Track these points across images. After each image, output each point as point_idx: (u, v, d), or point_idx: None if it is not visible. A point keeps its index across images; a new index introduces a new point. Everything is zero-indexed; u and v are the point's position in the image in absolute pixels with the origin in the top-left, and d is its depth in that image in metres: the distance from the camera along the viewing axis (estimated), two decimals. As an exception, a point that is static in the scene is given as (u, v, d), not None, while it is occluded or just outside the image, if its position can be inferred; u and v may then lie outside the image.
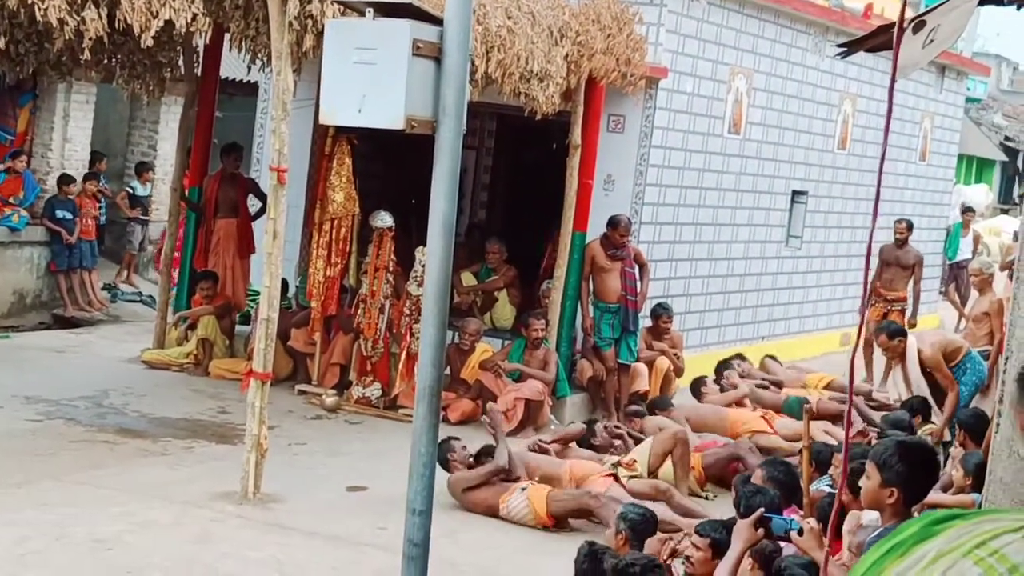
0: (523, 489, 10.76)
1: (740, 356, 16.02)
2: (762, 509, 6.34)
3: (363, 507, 10.86)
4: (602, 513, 10.24)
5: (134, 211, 21.92)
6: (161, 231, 19.69)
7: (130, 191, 22.04)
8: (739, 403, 14.75)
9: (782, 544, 6.84)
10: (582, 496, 10.65)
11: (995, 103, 47.19)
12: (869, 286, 17.81)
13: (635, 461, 11.84)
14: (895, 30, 4.93)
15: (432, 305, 6.55)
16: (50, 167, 20.69)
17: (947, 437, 12.61)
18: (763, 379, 15.74)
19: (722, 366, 15.57)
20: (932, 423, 12.99)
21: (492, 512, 10.81)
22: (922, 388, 13.43)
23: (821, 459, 9.88)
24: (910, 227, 18.31)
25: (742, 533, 6.14)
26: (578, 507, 10.63)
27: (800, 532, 5.94)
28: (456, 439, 11.58)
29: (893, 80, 4.93)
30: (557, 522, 10.66)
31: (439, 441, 10.64)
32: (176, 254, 16.72)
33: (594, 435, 12.74)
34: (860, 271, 21.37)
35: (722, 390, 15.04)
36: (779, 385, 15.68)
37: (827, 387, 16.01)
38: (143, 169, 22.28)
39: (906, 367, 13.56)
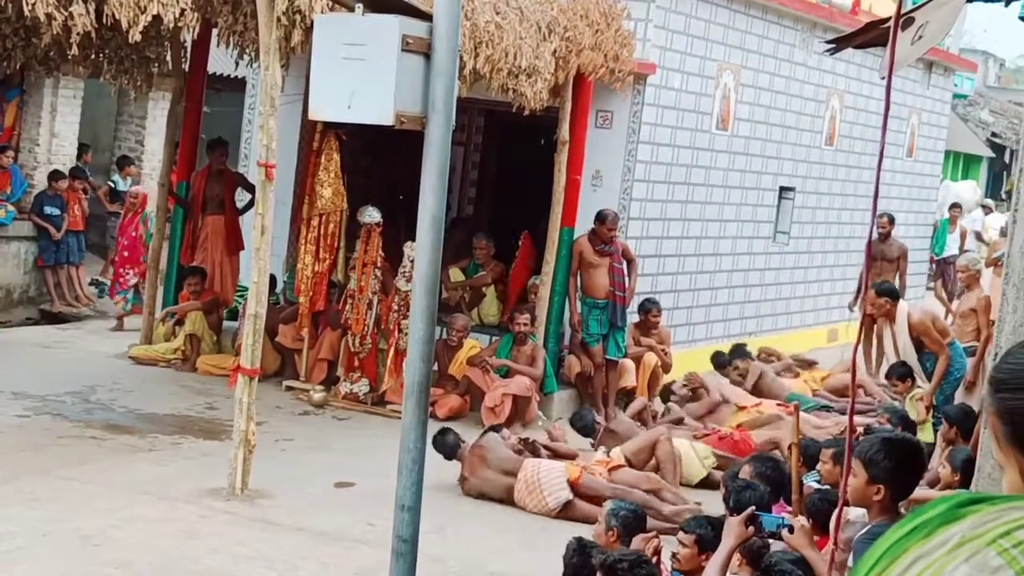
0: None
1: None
2: (753, 507, 6.34)
3: (351, 503, 10.86)
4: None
5: (114, 206, 21.88)
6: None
7: (112, 185, 21.98)
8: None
9: (771, 540, 6.85)
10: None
11: (982, 99, 47.25)
12: (858, 280, 17.98)
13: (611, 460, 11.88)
14: (891, 26, 4.94)
15: (421, 300, 6.54)
16: (37, 162, 20.66)
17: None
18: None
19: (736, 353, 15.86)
20: (920, 387, 13.11)
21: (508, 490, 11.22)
22: (908, 354, 13.52)
23: (808, 454, 9.89)
24: (891, 221, 18.65)
25: (733, 530, 6.14)
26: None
27: (791, 530, 5.95)
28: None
29: (890, 76, 4.94)
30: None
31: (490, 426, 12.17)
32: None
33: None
34: (847, 267, 21.42)
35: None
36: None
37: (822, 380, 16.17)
38: (125, 163, 22.20)
39: (894, 329, 13.64)
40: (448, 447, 11.56)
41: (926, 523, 1.89)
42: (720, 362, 15.86)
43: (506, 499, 11.29)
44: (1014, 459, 2.18)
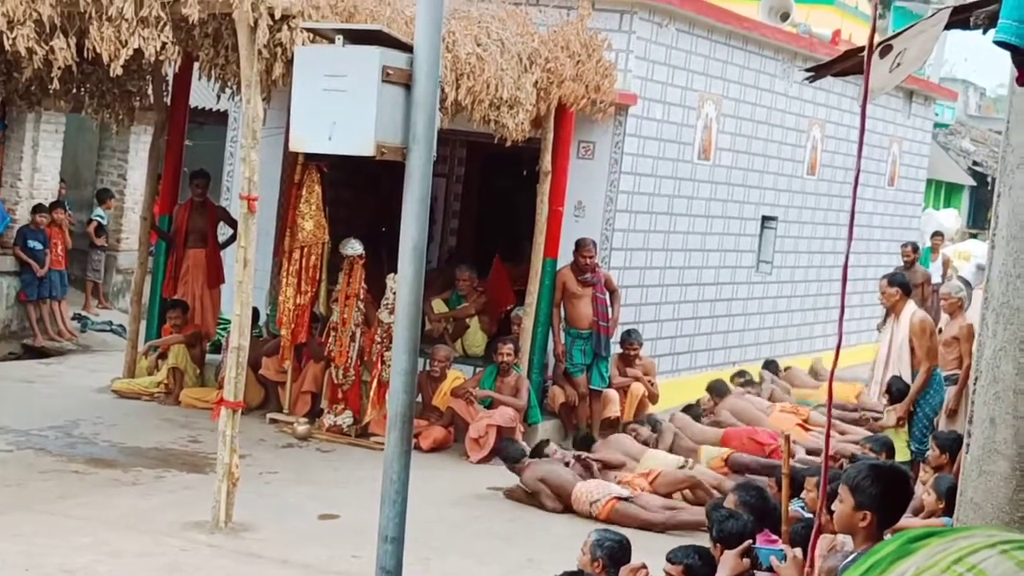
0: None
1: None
2: (749, 541, 6.33)
3: (335, 535, 10.83)
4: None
5: (100, 239, 21.85)
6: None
7: (99, 220, 21.94)
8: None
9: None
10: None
11: (963, 128, 47.43)
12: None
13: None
14: (865, 54, 4.96)
15: (403, 332, 6.54)
16: (19, 197, 20.61)
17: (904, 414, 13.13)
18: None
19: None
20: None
21: (566, 498, 12.07)
22: (903, 356, 13.50)
23: (794, 482, 9.89)
24: (915, 249, 20.48)
25: (728, 563, 6.14)
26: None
27: (783, 559, 5.94)
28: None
29: (865, 103, 4.95)
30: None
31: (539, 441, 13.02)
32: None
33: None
34: (831, 295, 21.46)
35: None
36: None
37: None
38: (105, 196, 22.16)
39: (895, 324, 13.65)
40: (513, 456, 12.59)
41: (879, 561, 1.93)
42: (719, 390, 16.03)
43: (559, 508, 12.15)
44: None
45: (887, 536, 5.71)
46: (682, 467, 12.92)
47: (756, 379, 17.57)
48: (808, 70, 8.39)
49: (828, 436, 5.55)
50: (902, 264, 19.70)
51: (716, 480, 12.65)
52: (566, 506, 12.15)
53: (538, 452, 13.14)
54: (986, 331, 4.61)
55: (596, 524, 10.50)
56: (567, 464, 12.56)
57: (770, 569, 6.31)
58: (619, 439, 13.98)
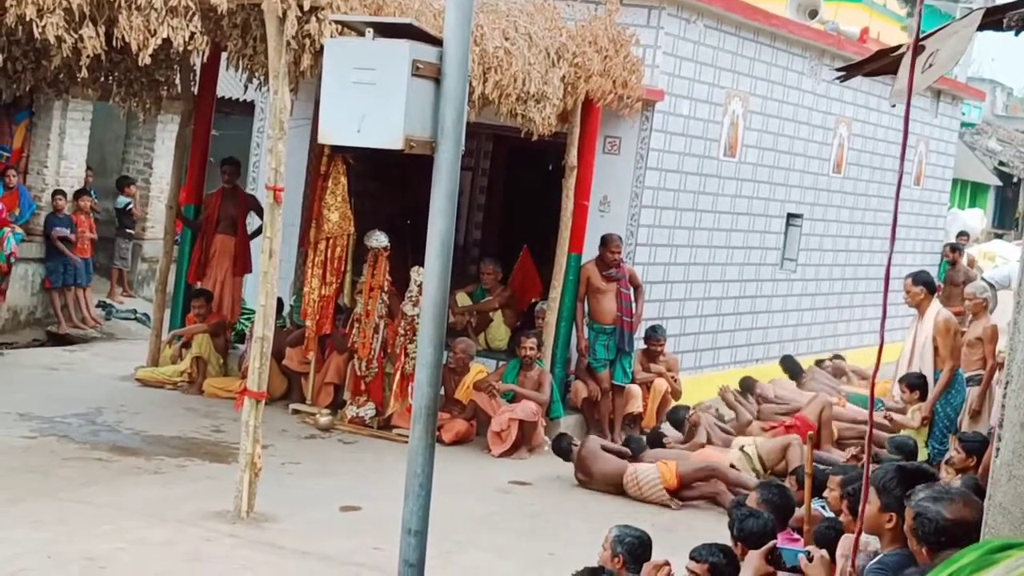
0: (653, 463, 12.78)
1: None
2: (774, 541, 6.31)
3: (357, 527, 10.84)
4: (727, 477, 12.49)
5: (128, 225, 21.91)
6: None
7: (125, 206, 21.93)
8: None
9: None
10: (706, 465, 12.76)
11: (989, 128, 47.29)
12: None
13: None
14: (901, 55, 4.94)
15: (429, 324, 6.53)
16: (45, 184, 20.67)
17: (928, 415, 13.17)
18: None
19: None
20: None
21: (616, 484, 12.64)
22: (927, 351, 13.45)
23: (816, 481, 9.86)
24: (954, 249, 22.66)
25: (752, 563, 6.12)
26: (705, 473, 12.62)
27: (810, 558, 5.92)
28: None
29: (908, 106, 4.92)
30: (682, 487, 12.50)
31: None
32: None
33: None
34: (854, 294, 21.42)
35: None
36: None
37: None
38: (125, 183, 22.18)
39: (920, 322, 13.58)
40: (563, 451, 13.29)
41: (960, 571, 1.90)
42: (747, 386, 16.31)
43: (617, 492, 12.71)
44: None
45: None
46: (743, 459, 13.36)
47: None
48: (839, 69, 8.36)
49: (870, 440, 5.50)
50: (947, 263, 21.84)
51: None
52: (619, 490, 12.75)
53: (558, 445, 13.32)
54: (1018, 335, 4.59)
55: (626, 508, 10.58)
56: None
57: (794, 569, 6.30)
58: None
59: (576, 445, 13.26)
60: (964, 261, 26.30)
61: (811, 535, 7.88)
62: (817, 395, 15.01)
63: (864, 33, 21.05)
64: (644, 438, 13.98)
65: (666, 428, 14.81)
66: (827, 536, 8.03)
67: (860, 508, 5.70)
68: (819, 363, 18.81)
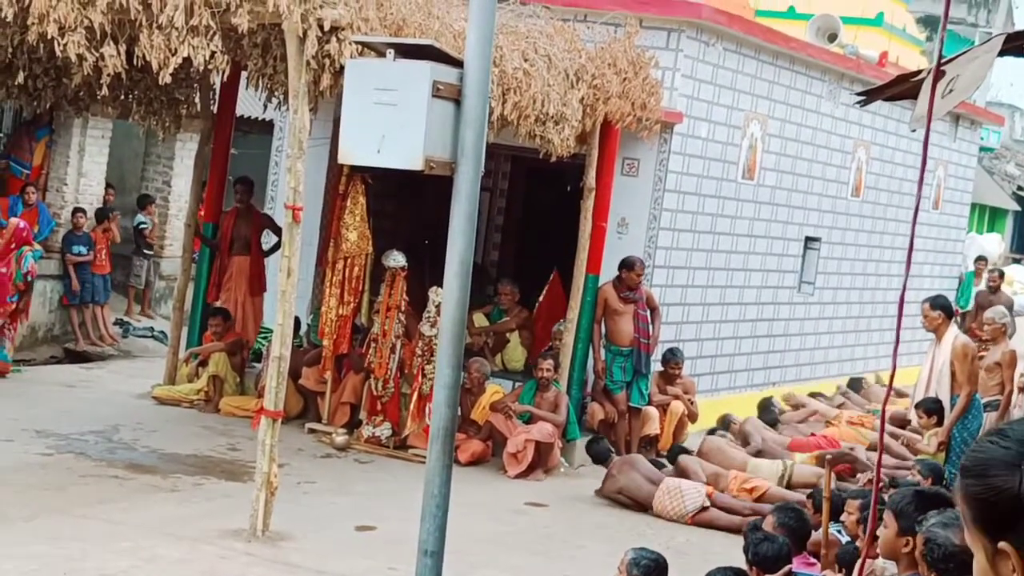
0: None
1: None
2: (789, 566, 6.30)
3: (372, 547, 10.84)
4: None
5: (146, 244, 21.98)
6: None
7: (143, 225, 21.99)
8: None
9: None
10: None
11: (1008, 152, 47.25)
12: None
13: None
14: (922, 80, 4.94)
15: (447, 345, 6.54)
16: (65, 201, 20.74)
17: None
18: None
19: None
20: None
21: (644, 495, 12.84)
22: (944, 376, 13.36)
23: (833, 505, 9.83)
24: (996, 273, 23.23)
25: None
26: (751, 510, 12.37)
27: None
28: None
29: (928, 131, 4.93)
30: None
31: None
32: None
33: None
34: (872, 318, 21.38)
35: None
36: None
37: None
38: (146, 202, 22.25)
39: (937, 347, 13.50)
40: (601, 452, 13.53)
41: None
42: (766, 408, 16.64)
43: (642, 503, 12.85)
44: (979, 542, 2.27)
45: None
46: (782, 474, 13.64)
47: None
48: (860, 94, 8.36)
49: (880, 464, 5.49)
50: (986, 288, 22.52)
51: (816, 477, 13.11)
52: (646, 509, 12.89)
53: (595, 448, 13.78)
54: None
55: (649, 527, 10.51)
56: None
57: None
58: (719, 447, 14.12)
59: (613, 451, 13.62)
60: (983, 285, 26.29)
61: (829, 559, 7.86)
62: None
63: (883, 57, 21.04)
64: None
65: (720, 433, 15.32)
66: (855, 557, 8.00)
67: (868, 530, 5.68)
68: (854, 381, 18.89)
